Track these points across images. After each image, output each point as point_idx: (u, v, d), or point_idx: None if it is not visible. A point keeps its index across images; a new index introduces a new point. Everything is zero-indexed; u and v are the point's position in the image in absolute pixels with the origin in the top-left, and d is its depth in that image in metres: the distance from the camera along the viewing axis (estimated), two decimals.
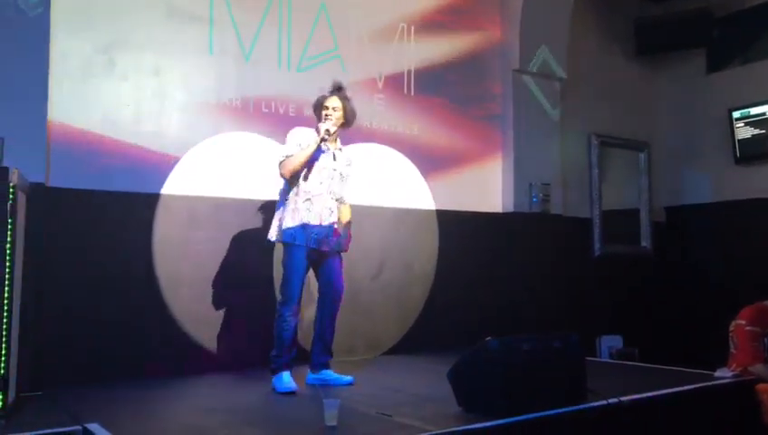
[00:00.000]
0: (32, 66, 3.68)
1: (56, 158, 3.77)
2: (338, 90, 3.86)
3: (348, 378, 3.73)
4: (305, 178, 3.65)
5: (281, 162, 3.67)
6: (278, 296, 3.72)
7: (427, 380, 3.80)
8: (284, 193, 3.72)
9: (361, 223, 4.79)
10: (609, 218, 6.37)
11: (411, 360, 4.66)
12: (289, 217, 3.63)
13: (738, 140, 6.14)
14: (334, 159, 3.77)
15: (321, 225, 3.66)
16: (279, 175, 3.69)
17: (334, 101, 3.81)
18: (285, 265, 3.66)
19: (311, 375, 3.76)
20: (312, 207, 3.65)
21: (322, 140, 3.66)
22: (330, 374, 3.75)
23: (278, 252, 4.43)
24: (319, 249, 3.66)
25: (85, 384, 3.59)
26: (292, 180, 3.67)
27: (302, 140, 3.68)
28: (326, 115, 3.76)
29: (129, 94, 4.05)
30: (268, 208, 4.40)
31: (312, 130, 3.73)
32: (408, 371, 4.27)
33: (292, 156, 3.64)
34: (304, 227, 3.61)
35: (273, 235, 3.72)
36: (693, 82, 6.66)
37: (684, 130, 6.71)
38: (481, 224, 5.48)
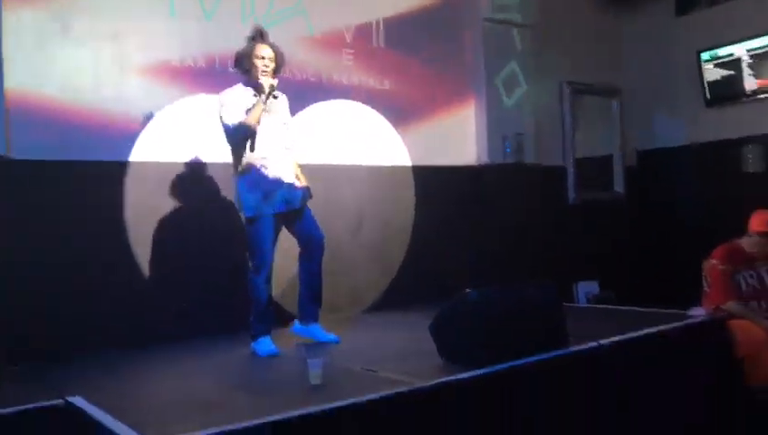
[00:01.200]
0: None
1: (16, 129, 3.65)
2: (261, 36, 3.58)
3: (334, 336, 3.72)
4: (252, 148, 3.49)
5: (230, 133, 3.48)
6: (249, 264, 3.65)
7: (409, 334, 3.82)
8: (237, 164, 3.54)
9: (337, 181, 4.77)
10: (583, 166, 6.40)
11: (393, 315, 4.69)
12: (248, 189, 3.50)
13: (708, 82, 6.16)
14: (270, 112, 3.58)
15: (282, 185, 3.53)
16: (230, 148, 3.53)
17: (267, 51, 3.53)
18: (253, 237, 3.53)
19: (298, 325, 3.73)
20: (269, 172, 3.51)
21: (271, 96, 3.49)
22: (317, 330, 3.72)
23: None
24: (289, 211, 3.58)
25: (64, 356, 3.55)
26: (241, 150, 3.51)
27: (240, 103, 3.47)
28: (264, 66, 3.51)
29: (88, 60, 3.90)
30: None
31: (239, 88, 3.54)
32: (390, 326, 4.29)
33: (240, 124, 3.44)
34: (266, 195, 3.49)
35: (240, 209, 3.57)
36: (662, 25, 6.63)
37: (655, 74, 6.70)
38: (456, 177, 5.47)
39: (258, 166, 3.51)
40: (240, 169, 3.55)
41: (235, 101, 3.50)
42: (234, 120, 3.47)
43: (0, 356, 3.22)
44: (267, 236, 3.52)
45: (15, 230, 3.55)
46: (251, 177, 3.51)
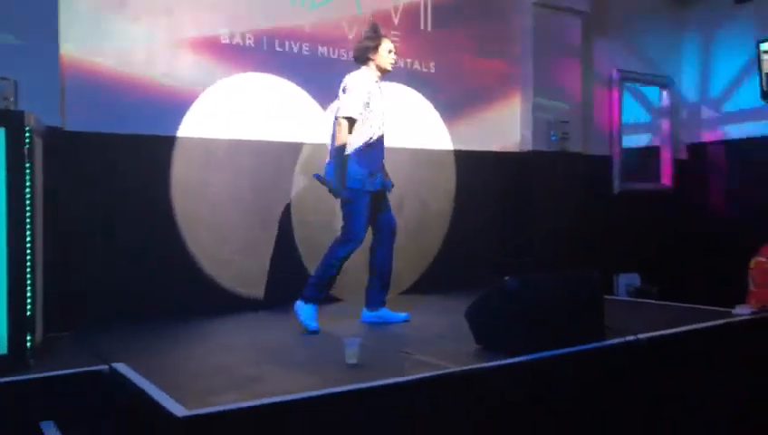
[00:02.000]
0: (42, 9, 3.62)
1: (71, 101, 3.75)
2: (380, 31, 3.77)
3: (404, 314, 3.83)
4: (371, 126, 3.64)
5: (344, 118, 3.56)
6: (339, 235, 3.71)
7: (446, 318, 3.84)
8: (348, 138, 3.62)
9: None
10: (630, 156, 6.27)
11: (431, 298, 4.70)
12: (357, 163, 3.60)
13: (766, 74, 5.93)
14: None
15: (382, 167, 3.73)
16: (340, 122, 3.58)
17: (392, 45, 3.76)
18: (352, 211, 3.62)
19: (367, 313, 3.82)
20: (374, 151, 3.67)
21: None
22: (387, 312, 3.83)
23: (297, 193, 4.44)
24: (382, 190, 3.72)
25: (110, 325, 3.66)
26: (355, 127, 3.61)
27: (365, 96, 3.60)
28: (393, 61, 3.73)
29: (142, 34, 3.98)
30: (284, 150, 4.39)
31: (366, 77, 3.65)
32: (427, 309, 4.30)
33: (350, 119, 3.56)
34: (371, 171, 3.63)
35: (335, 181, 3.57)
36: (720, 13, 6.40)
37: (709, 64, 6.49)
38: (499, 163, 5.43)
39: (368, 143, 3.64)
40: (351, 142, 3.61)
41: (361, 93, 3.60)
42: (354, 112, 3.58)
43: (50, 323, 3.34)
44: (364, 212, 3.64)
45: (66, 200, 3.65)
46: (362, 152, 3.62)
